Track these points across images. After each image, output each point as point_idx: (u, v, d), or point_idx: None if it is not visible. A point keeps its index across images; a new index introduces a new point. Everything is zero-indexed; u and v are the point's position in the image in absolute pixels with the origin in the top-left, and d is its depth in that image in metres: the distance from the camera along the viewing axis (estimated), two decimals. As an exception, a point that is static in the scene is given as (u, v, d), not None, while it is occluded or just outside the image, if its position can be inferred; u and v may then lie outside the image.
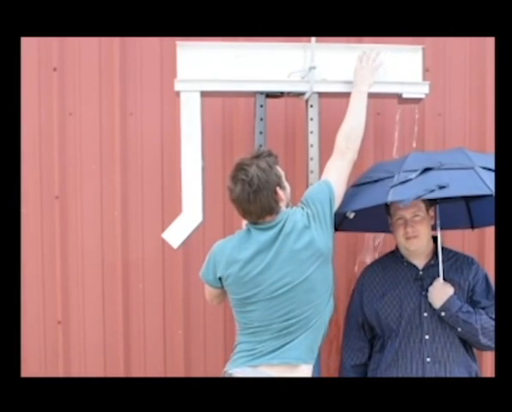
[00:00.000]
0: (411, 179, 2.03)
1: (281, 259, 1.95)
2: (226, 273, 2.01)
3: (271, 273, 1.96)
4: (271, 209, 1.98)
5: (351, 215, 2.19)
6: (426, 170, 2.05)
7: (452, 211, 2.40)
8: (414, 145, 2.75)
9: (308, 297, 1.97)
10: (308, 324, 1.98)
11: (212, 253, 2.08)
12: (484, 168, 2.03)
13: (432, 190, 1.95)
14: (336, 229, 2.40)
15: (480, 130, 2.80)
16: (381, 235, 2.73)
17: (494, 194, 1.88)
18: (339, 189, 2.11)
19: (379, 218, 2.33)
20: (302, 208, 2.05)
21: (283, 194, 2.01)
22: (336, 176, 2.12)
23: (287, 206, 2.05)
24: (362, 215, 2.22)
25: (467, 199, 2.41)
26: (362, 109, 2.22)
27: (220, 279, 2.05)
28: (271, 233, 1.97)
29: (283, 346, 1.97)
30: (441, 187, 1.94)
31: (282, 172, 2.05)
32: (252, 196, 1.94)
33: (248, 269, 1.97)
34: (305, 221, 1.99)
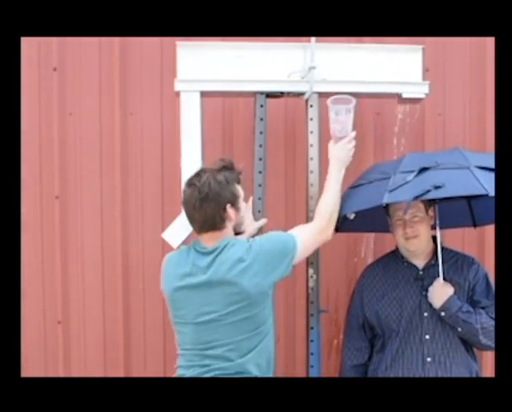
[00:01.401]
0: (408, 181, 2.03)
1: (210, 286, 1.90)
2: (163, 287, 2.03)
3: (199, 298, 1.92)
4: (214, 223, 1.93)
5: (352, 216, 2.19)
6: (422, 170, 2.06)
7: (454, 210, 2.40)
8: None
9: (230, 332, 1.90)
10: (230, 358, 1.90)
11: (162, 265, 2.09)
12: (480, 168, 2.03)
13: (428, 191, 1.95)
14: (337, 230, 2.41)
15: (480, 130, 2.80)
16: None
17: (489, 194, 1.89)
18: (303, 251, 2.03)
19: (379, 218, 2.33)
20: (249, 240, 1.98)
21: (234, 214, 1.97)
22: (308, 237, 2.05)
23: (235, 229, 2.02)
24: (362, 216, 2.22)
25: (469, 198, 2.41)
26: (340, 190, 2.18)
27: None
28: (208, 259, 1.92)
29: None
30: (437, 187, 1.94)
31: (241, 193, 2.02)
32: (198, 203, 1.90)
33: (179, 288, 1.95)
34: (243, 254, 1.89)
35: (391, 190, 2.02)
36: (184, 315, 1.95)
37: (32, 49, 2.68)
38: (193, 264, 1.94)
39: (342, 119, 2.16)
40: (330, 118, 2.19)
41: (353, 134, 2.20)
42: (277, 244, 1.97)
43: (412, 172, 2.05)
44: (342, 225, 2.41)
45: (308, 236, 2.07)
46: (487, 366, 2.75)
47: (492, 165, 1.98)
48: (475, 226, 2.53)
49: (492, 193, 1.88)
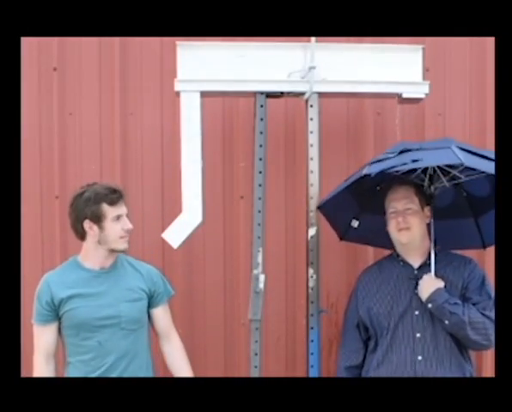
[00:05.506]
0: (388, 157, 2.06)
1: None
2: None
3: None
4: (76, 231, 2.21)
5: (355, 224, 2.20)
6: (404, 151, 2.08)
7: (461, 230, 2.39)
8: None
9: None
10: None
11: None
12: (463, 150, 2.04)
13: (405, 163, 1.97)
14: (341, 239, 2.41)
15: (480, 130, 2.80)
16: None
17: (464, 164, 1.92)
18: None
19: (383, 232, 2.30)
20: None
21: (92, 229, 2.16)
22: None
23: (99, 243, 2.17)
24: (367, 229, 2.22)
25: (476, 214, 2.40)
26: None
27: None
28: None
29: None
30: (415, 161, 1.98)
31: (109, 214, 2.13)
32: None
33: None
34: None
35: (370, 164, 2.05)
36: None
37: (32, 49, 2.68)
38: None
39: None
40: None
41: None
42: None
43: (394, 152, 2.08)
44: (346, 233, 2.41)
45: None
46: (487, 366, 2.75)
47: (480, 152, 2.02)
48: (484, 247, 2.48)
49: (467, 163, 1.92)
